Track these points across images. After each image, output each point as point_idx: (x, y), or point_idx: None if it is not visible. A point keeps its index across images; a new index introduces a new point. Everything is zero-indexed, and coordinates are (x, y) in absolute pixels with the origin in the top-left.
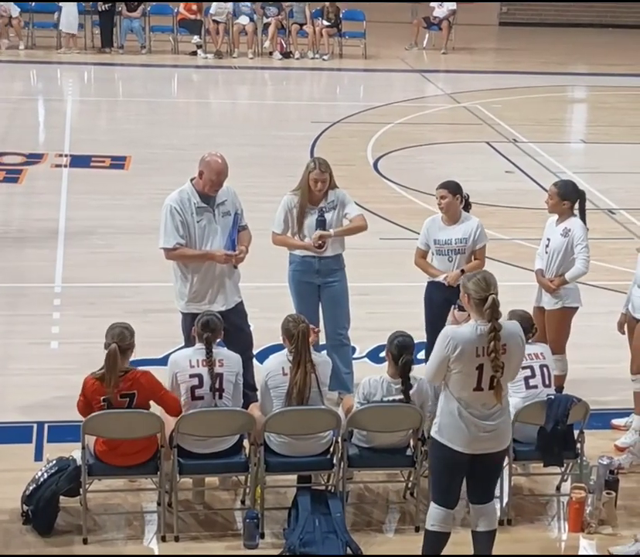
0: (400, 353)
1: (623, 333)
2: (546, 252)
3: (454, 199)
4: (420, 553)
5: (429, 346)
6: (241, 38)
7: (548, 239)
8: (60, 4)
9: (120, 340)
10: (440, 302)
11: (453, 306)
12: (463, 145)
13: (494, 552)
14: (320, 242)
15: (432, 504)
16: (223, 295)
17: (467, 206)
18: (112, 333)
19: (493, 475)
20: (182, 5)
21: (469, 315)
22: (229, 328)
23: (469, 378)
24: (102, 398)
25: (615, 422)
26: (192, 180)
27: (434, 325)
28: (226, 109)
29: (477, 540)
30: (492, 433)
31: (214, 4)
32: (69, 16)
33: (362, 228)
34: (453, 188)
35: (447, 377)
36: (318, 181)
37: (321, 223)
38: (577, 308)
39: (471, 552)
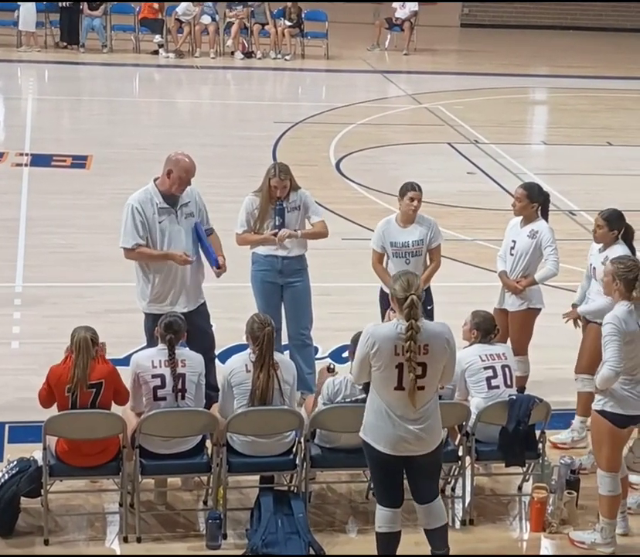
0: None
1: (577, 326)
2: (512, 254)
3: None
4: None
5: None
6: (203, 37)
7: (513, 241)
8: (19, 2)
9: (88, 331)
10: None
11: (390, 307)
12: (425, 146)
13: (456, 552)
14: (276, 231)
15: (378, 506)
16: (185, 296)
17: None
18: (78, 329)
19: (429, 476)
20: (143, 3)
21: None
22: (191, 329)
23: (390, 377)
24: (67, 387)
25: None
26: (155, 180)
27: None
28: (188, 109)
29: (430, 537)
30: (416, 436)
31: (183, 5)
32: (27, 14)
33: (323, 235)
34: (422, 190)
35: (372, 376)
36: (278, 188)
37: (280, 212)
38: (540, 309)
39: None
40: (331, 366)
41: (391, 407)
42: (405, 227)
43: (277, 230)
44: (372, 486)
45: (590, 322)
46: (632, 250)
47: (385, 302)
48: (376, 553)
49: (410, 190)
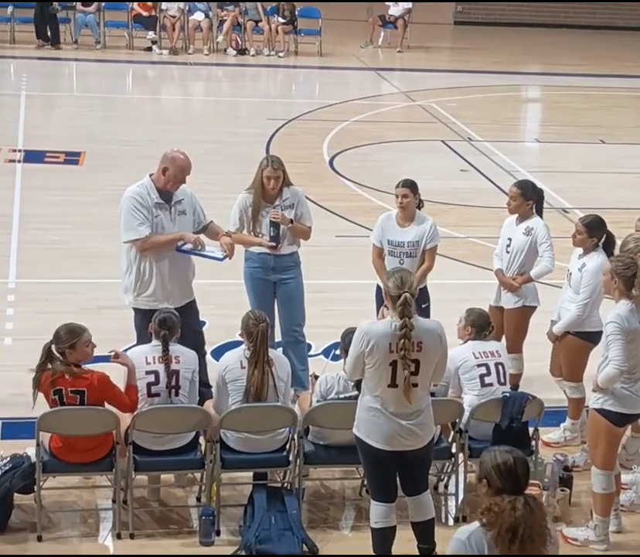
0: None
1: (554, 342)
2: (508, 251)
3: (414, 198)
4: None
5: None
6: (196, 34)
7: (509, 239)
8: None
9: (57, 340)
10: None
11: (383, 305)
12: (418, 144)
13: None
14: (274, 244)
15: (372, 502)
16: (175, 293)
17: (419, 205)
18: (54, 333)
19: (419, 469)
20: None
21: None
22: (181, 326)
23: (384, 374)
24: (53, 390)
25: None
26: (150, 176)
27: None
28: (181, 105)
29: (416, 530)
30: (409, 431)
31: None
32: None
33: (306, 237)
34: (414, 187)
35: (365, 373)
36: (271, 178)
37: (275, 224)
38: (535, 307)
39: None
40: (315, 373)
41: (385, 404)
42: (403, 226)
43: (273, 243)
44: (365, 482)
45: (567, 333)
46: None
47: (380, 299)
48: (369, 550)
49: (396, 187)
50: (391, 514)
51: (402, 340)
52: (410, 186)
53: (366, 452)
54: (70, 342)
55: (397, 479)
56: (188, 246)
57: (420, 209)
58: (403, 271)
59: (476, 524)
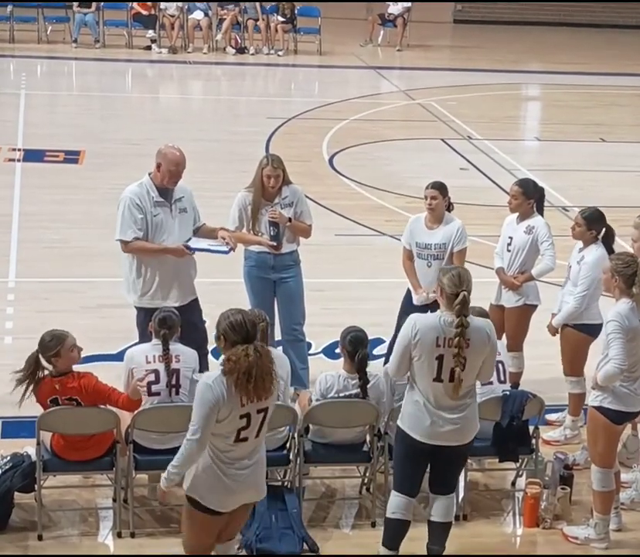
0: (355, 348)
1: (554, 335)
2: (509, 250)
3: (443, 200)
4: (376, 547)
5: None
6: (196, 33)
7: (510, 237)
8: None
9: (43, 348)
10: (415, 308)
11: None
12: (418, 142)
13: (450, 547)
14: (274, 244)
15: (393, 492)
16: (177, 291)
17: (449, 207)
18: (39, 341)
19: (454, 468)
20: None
21: None
22: (183, 325)
23: (429, 367)
24: (48, 399)
25: (549, 417)
26: (150, 174)
27: None
28: (180, 104)
29: (432, 529)
30: (453, 426)
31: None
32: None
33: (306, 236)
34: (443, 189)
35: (411, 366)
36: (271, 177)
37: (274, 224)
38: (536, 305)
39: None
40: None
41: (429, 397)
42: (431, 228)
43: (274, 243)
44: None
45: (566, 325)
46: (611, 252)
47: (408, 300)
48: (369, 548)
49: (426, 188)
50: (410, 508)
51: (457, 338)
52: (439, 187)
53: (406, 444)
54: (55, 349)
55: (424, 476)
56: (193, 241)
57: (450, 211)
58: (461, 269)
59: (218, 371)
